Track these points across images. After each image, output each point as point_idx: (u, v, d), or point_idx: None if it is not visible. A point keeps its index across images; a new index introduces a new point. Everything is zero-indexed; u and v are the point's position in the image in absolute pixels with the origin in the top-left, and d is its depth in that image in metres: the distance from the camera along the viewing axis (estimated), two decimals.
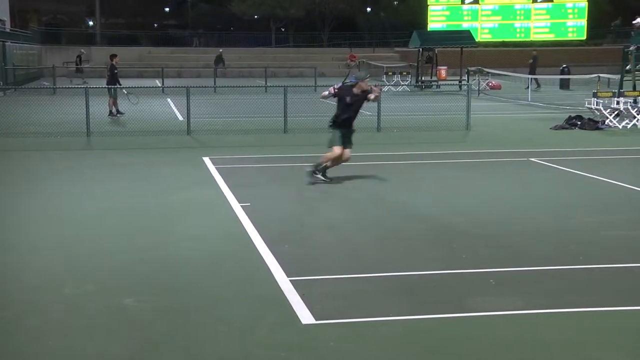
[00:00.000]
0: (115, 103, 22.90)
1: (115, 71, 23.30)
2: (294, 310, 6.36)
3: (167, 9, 79.96)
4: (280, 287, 6.97)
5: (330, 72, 50.81)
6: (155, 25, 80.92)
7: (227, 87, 30.24)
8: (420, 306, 6.53)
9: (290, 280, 7.13)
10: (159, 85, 34.40)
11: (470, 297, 6.72)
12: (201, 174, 13.22)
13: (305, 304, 6.48)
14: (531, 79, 34.95)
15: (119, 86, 22.86)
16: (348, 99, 11.98)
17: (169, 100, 28.86)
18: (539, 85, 36.27)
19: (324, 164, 12.19)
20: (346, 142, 12.12)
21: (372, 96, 12.07)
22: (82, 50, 48.60)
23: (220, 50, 50.79)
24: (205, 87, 27.97)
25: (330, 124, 12.19)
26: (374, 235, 9.00)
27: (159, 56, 54.21)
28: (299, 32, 70.27)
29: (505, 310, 6.39)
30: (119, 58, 24.05)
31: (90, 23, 75.25)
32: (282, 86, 20.30)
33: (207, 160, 14.57)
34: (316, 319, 6.17)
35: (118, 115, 22.73)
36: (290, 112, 19.37)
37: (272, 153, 15.66)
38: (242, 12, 68.48)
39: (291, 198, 11.17)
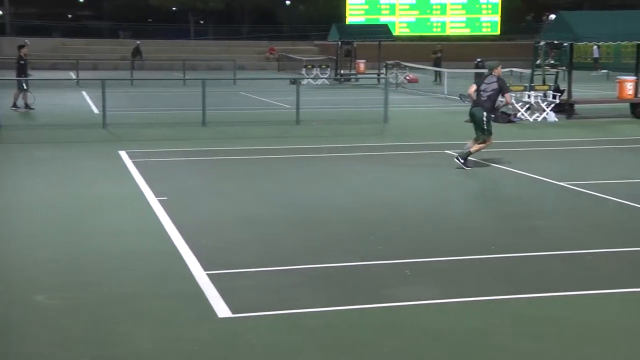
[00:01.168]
0: (24, 96, 22.15)
1: (22, 62, 22.54)
2: (210, 305, 6.32)
3: (81, 0, 78.03)
4: (197, 282, 6.92)
5: (250, 65, 50.53)
6: (70, 15, 78.88)
7: (145, 79, 29.79)
8: (338, 297, 6.58)
9: (208, 274, 7.08)
10: (74, 77, 33.55)
11: (387, 288, 6.82)
12: (117, 168, 12.98)
13: (223, 298, 6.45)
14: (439, 72, 35.78)
15: (24, 78, 22.10)
16: (482, 86, 13.08)
17: (84, 93, 28.20)
18: (435, 79, 37.08)
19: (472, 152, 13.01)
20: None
21: (507, 101, 13.58)
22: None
23: (138, 42, 49.88)
24: (122, 79, 27.49)
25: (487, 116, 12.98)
26: (292, 228, 9.02)
27: (73, 47, 52.79)
28: (218, 25, 69.64)
29: (420, 300, 6.50)
30: (27, 49, 23.24)
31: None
32: (200, 79, 20.11)
33: (123, 154, 14.30)
34: (233, 313, 6.15)
35: (25, 109, 21.95)
36: (209, 105, 19.21)
37: (190, 146, 15.49)
38: (160, 3, 67.43)
39: (209, 191, 11.08)
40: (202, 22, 73.23)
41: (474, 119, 13.02)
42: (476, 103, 13.05)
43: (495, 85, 12.91)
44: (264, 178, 12.26)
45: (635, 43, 22.16)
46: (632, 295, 6.73)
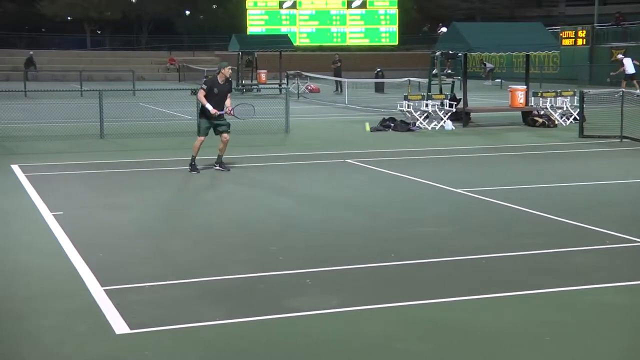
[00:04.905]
0: None
1: None
2: (107, 320, 6.17)
3: None
4: (93, 297, 6.74)
5: (149, 75, 49.83)
6: None
7: (39, 91, 28.88)
8: (238, 309, 6.53)
9: (105, 290, 6.92)
10: None
11: (288, 298, 6.81)
12: (9, 182, 12.53)
13: (120, 313, 6.30)
14: (339, 81, 36.25)
15: None
16: (216, 90, 13.36)
17: None
18: (336, 89, 37.55)
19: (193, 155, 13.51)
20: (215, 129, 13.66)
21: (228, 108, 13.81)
22: (31, 52, 47.14)
23: (31, 52, 48.39)
24: (14, 91, 26.56)
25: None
26: (191, 241, 8.92)
27: None
28: (115, 35, 68.33)
29: (321, 309, 6.51)
30: None
31: None
32: (97, 90, 19.67)
33: (16, 168, 13.83)
34: (131, 328, 6.02)
35: None
36: (107, 117, 18.82)
37: (88, 159, 15.11)
38: (53, 13, 65.48)
39: (106, 205, 10.84)
40: (99, 32, 71.62)
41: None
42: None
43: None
44: (162, 190, 12.09)
45: (524, 53, 23.01)
46: (528, 298, 6.86)
